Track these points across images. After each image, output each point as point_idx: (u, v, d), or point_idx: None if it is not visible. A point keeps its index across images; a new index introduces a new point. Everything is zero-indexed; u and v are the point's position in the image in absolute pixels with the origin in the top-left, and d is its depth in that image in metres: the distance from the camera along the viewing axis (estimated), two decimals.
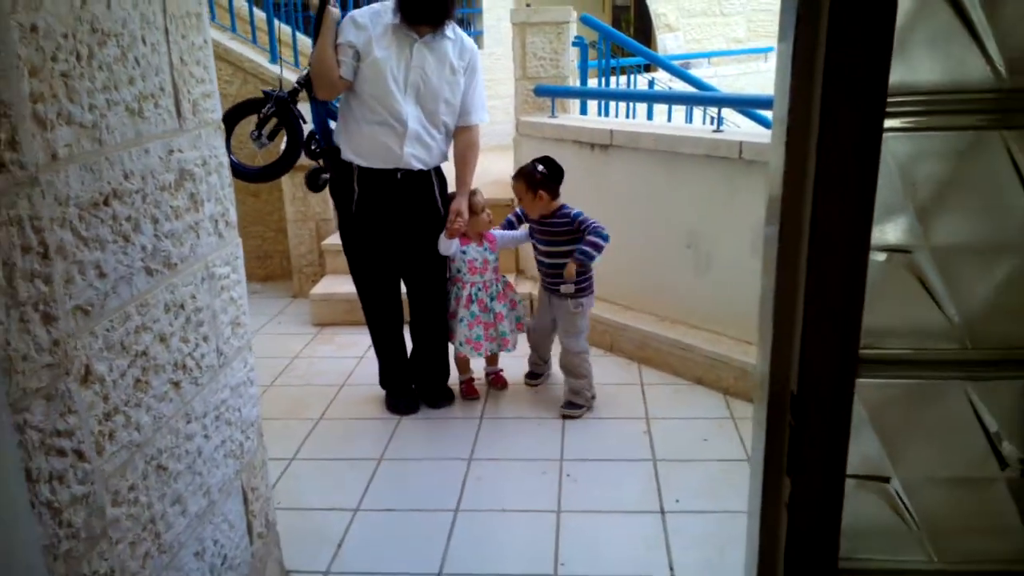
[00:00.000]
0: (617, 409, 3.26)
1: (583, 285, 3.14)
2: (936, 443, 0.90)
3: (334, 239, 4.59)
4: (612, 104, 4.71)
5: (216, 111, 1.86)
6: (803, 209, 0.82)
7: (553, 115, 4.29)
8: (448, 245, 3.11)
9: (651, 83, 6.41)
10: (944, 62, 0.78)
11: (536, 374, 3.52)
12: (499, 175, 5.12)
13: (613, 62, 5.30)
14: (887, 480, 0.91)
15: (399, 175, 2.93)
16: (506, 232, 3.37)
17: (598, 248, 3.02)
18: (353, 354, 3.83)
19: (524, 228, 3.36)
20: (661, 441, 2.99)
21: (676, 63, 6.81)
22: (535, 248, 3.25)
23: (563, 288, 3.11)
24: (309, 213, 4.67)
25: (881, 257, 0.83)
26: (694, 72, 6.90)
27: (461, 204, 3.02)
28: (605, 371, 3.56)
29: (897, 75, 0.76)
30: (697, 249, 3.57)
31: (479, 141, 3.11)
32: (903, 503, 0.92)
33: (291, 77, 3.75)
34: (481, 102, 3.06)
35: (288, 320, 4.41)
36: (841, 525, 0.89)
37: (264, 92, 3.18)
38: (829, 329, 0.83)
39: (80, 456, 1.23)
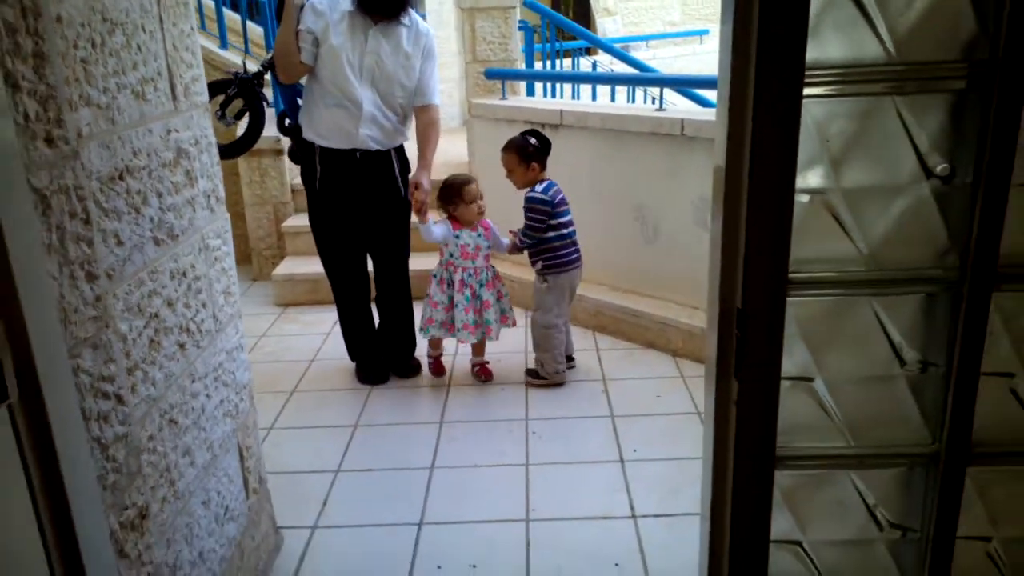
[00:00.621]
0: (576, 373, 3.48)
1: (551, 263, 3.26)
2: (850, 349, 1.12)
3: (293, 221, 4.71)
4: (558, 86, 4.91)
5: (203, 94, 1.99)
6: (742, 163, 1.02)
7: (504, 97, 4.46)
8: (428, 232, 3.19)
9: (594, 65, 6.63)
10: (848, 43, 0.99)
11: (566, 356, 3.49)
12: (449, 157, 5.28)
13: (557, 45, 5.50)
14: (812, 380, 1.13)
15: (358, 155, 3.08)
16: (497, 235, 3.36)
17: (522, 242, 3.24)
18: (319, 331, 3.97)
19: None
20: (618, 399, 3.22)
21: (617, 46, 7.04)
22: None
23: (535, 265, 3.28)
24: (266, 196, 4.76)
25: (804, 198, 1.04)
26: (633, 55, 7.14)
27: (420, 176, 3.15)
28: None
29: (812, 53, 0.97)
30: (644, 221, 3.81)
31: (439, 120, 3.26)
32: (826, 399, 1.14)
33: (245, 64, 3.86)
34: (436, 84, 3.22)
35: (251, 302, 4.50)
36: (777, 418, 1.11)
37: (231, 74, 3.29)
38: (765, 257, 1.03)
39: (120, 400, 1.38)
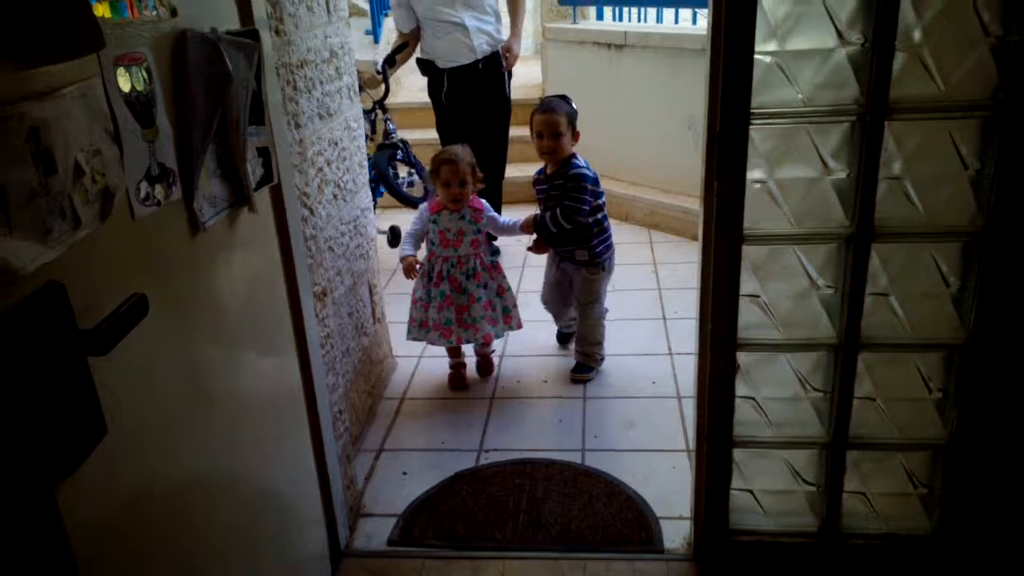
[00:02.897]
0: (631, 259, 4.09)
1: (599, 250, 2.87)
2: (793, 161, 1.69)
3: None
4: (625, 11, 5.39)
5: (345, 11, 2.63)
6: (721, 37, 1.60)
7: (575, 21, 4.99)
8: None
9: None
10: None
11: (568, 335, 3.22)
12: (525, 79, 5.85)
13: None
14: (767, 182, 1.71)
15: (480, 65, 3.88)
16: (497, 216, 2.99)
17: (557, 225, 2.79)
18: None
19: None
20: (665, 277, 3.83)
21: None
22: (541, 210, 2.93)
23: (578, 255, 2.88)
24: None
25: (766, 59, 1.61)
26: None
27: (511, 42, 3.99)
28: (621, 235, 4.34)
29: None
30: (696, 131, 4.33)
31: None
32: (776, 195, 1.72)
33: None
34: None
35: None
36: (744, 208, 1.70)
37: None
38: (734, 96, 1.61)
39: (311, 212, 2.06)
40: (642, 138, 4.54)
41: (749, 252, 1.77)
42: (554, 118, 2.77)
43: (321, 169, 2.32)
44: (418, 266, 2.86)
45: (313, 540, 2.02)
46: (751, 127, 1.66)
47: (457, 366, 3.03)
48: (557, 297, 3.09)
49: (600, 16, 5.24)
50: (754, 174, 1.72)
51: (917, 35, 1.58)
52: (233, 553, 1.50)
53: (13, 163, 0.83)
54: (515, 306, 2.96)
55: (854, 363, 1.82)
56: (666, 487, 2.32)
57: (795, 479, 1.98)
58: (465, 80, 3.93)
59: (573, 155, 2.82)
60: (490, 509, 2.28)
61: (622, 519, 2.22)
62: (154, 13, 1.17)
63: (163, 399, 1.20)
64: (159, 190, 1.16)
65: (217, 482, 1.42)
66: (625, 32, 4.52)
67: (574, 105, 2.86)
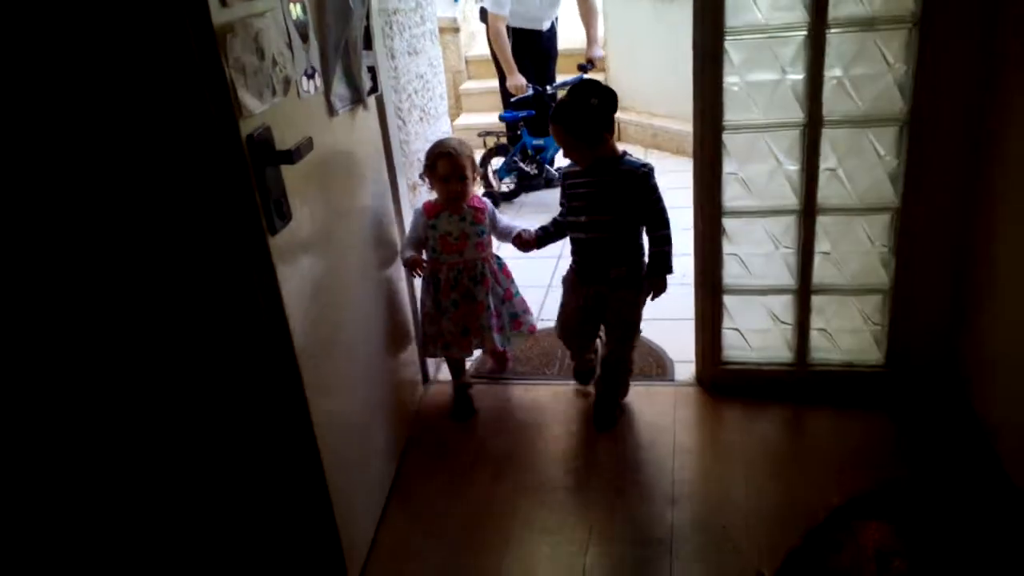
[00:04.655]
0: (682, 184, 4.62)
1: (642, 264, 2.45)
2: (759, 68, 2.24)
3: (468, 85, 6.05)
4: None
5: None
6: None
7: None
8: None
9: None
10: None
11: (586, 374, 2.76)
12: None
13: None
14: (739, 87, 2.27)
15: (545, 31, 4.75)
16: (502, 217, 2.66)
17: (669, 243, 2.35)
18: None
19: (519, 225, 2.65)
20: None
21: None
22: (565, 214, 2.49)
23: (614, 273, 2.42)
24: (447, 65, 6.07)
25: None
26: None
27: (593, 51, 4.68)
28: (673, 164, 4.95)
29: None
30: None
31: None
32: (745, 94, 2.27)
33: None
34: None
35: None
36: (723, 106, 2.27)
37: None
38: (712, 19, 2.18)
39: (404, 122, 2.74)
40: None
41: (729, 140, 2.35)
42: (558, 131, 2.33)
43: (410, 95, 2.99)
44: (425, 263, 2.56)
45: (411, 369, 2.73)
46: (726, 42, 2.24)
47: (462, 388, 2.73)
48: (582, 330, 2.59)
49: None
50: (730, 79, 2.29)
51: None
52: (360, 355, 2.19)
53: (248, 51, 1.51)
54: (525, 311, 2.71)
55: (813, 225, 2.38)
56: (685, 343, 2.91)
57: (773, 320, 2.56)
58: (527, 39, 4.66)
59: (625, 152, 2.38)
60: (542, 356, 2.95)
61: (645, 361, 2.85)
62: None
63: (315, 218, 1.89)
64: (312, 83, 1.84)
65: (348, 300, 2.11)
66: None
67: (592, 99, 2.26)
